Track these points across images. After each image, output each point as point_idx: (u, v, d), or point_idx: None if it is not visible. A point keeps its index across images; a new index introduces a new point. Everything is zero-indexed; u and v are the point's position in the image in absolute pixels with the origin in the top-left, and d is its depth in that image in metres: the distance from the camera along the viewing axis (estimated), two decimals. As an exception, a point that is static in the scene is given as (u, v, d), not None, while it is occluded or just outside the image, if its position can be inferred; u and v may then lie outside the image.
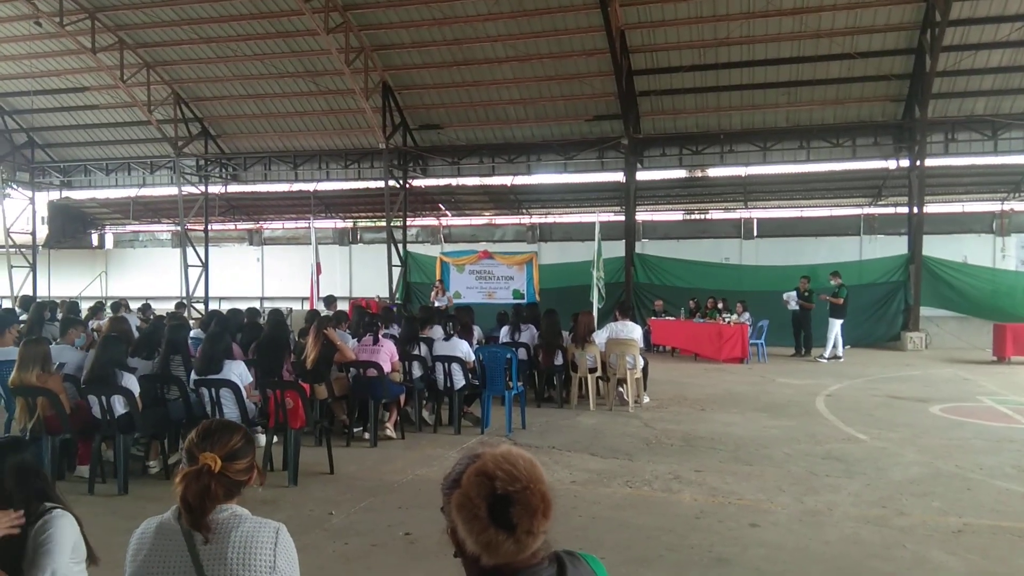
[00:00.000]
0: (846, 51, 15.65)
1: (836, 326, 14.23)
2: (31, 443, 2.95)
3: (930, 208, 17.47)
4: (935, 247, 16.98)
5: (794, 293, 14.94)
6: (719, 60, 16.44)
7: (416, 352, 8.63)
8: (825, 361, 14.05)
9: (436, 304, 15.75)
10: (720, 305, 15.54)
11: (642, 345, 9.97)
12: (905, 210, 17.20)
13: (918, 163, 16.12)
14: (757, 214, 21.72)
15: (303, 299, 20.04)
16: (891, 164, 17.82)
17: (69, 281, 24.20)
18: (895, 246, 17.78)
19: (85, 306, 13.59)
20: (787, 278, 15.96)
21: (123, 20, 17.86)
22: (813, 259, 17.48)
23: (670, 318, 16.07)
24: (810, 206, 21.15)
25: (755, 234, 21.27)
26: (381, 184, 19.77)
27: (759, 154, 18.04)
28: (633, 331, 9.71)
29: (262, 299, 22.82)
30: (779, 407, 9.67)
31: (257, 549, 2.15)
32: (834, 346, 14.26)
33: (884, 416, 9.01)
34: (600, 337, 9.65)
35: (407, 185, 20.15)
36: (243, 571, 2.12)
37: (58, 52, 19.07)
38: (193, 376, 6.45)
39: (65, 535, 2.66)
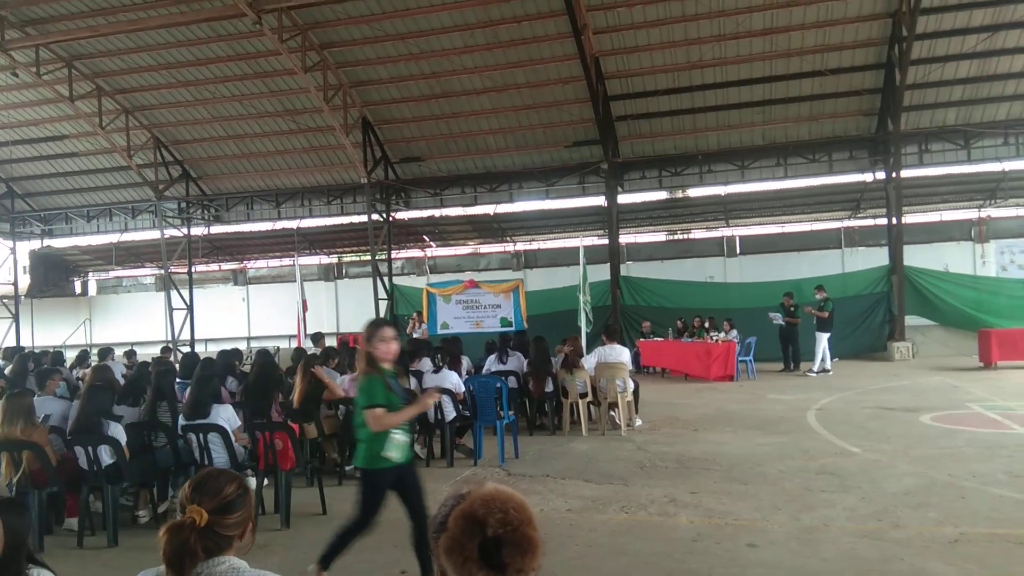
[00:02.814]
0: (817, 68, 15.95)
1: (823, 340, 14.31)
2: (21, 506, 2.87)
3: (909, 218, 17.72)
4: (916, 256, 17.18)
5: (780, 309, 15.04)
6: (693, 83, 16.70)
7: (406, 386, 8.58)
8: (814, 375, 14.11)
9: (414, 336, 15.78)
10: (707, 324, 15.60)
11: (631, 367, 9.98)
12: (884, 222, 17.41)
13: (894, 175, 16.36)
14: (739, 232, 21.92)
15: (290, 337, 19.94)
16: (868, 177, 18.08)
17: (53, 330, 23.97)
18: (876, 258, 17.97)
19: (70, 355, 13.47)
20: (772, 294, 16.08)
21: (100, 67, 17.92)
22: (796, 274, 17.63)
23: (658, 339, 16.10)
24: (790, 222, 21.37)
25: (738, 252, 21.44)
26: (364, 218, 19.80)
27: (737, 173, 18.25)
28: (621, 354, 9.72)
29: (248, 339, 22.69)
30: (771, 424, 9.67)
31: None
32: (822, 360, 14.32)
33: (875, 428, 9.03)
34: (589, 362, 9.65)
35: (390, 218, 20.19)
36: None
37: (36, 102, 19.09)
38: (181, 421, 6.39)
39: None
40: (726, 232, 21.82)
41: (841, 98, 16.77)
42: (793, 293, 15.34)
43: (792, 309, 14.97)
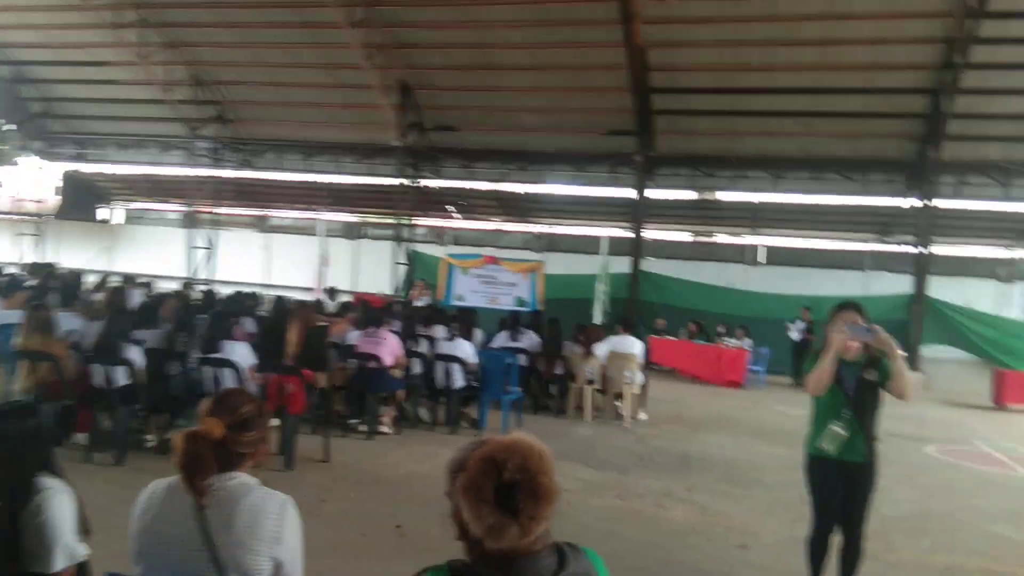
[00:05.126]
0: (865, 86, 15.72)
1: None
2: (39, 410, 2.92)
3: (936, 249, 17.49)
4: (938, 288, 16.98)
5: (801, 323, 14.99)
6: (737, 85, 16.49)
7: (417, 349, 8.66)
8: (822, 393, 14.03)
9: (415, 304, 15.80)
10: (721, 329, 15.58)
11: (642, 361, 9.98)
12: (911, 249, 17.23)
13: (927, 203, 16.17)
14: (764, 241, 21.78)
15: (307, 289, 20.06)
16: (902, 202, 17.87)
17: (75, 252, 24.20)
18: (899, 284, 17.79)
19: (90, 279, 13.60)
20: (790, 307, 15.98)
21: (148, -2, 17.94)
22: (817, 290, 17.48)
23: (671, 337, 16.08)
24: (818, 237, 21.18)
25: (761, 261, 21.31)
26: (392, 181, 19.80)
27: (770, 181, 18.08)
28: (633, 345, 9.73)
29: (266, 286, 22.79)
30: (773, 434, 9.67)
31: (263, 519, 2.17)
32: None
33: (879, 452, 9.00)
34: (601, 350, 9.67)
35: (418, 184, 20.19)
36: (248, 540, 2.13)
37: (80, 25, 19.07)
38: (197, 353, 6.48)
39: (65, 512, 2.63)
40: (751, 240, 21.69)
41: (884, 119, 16.51)
42: (811, 308, 15.25)
43: (809, 324, 14.90)
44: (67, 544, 2.57)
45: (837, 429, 4.17)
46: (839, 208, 19.26)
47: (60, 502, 2.61)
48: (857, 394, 4.20)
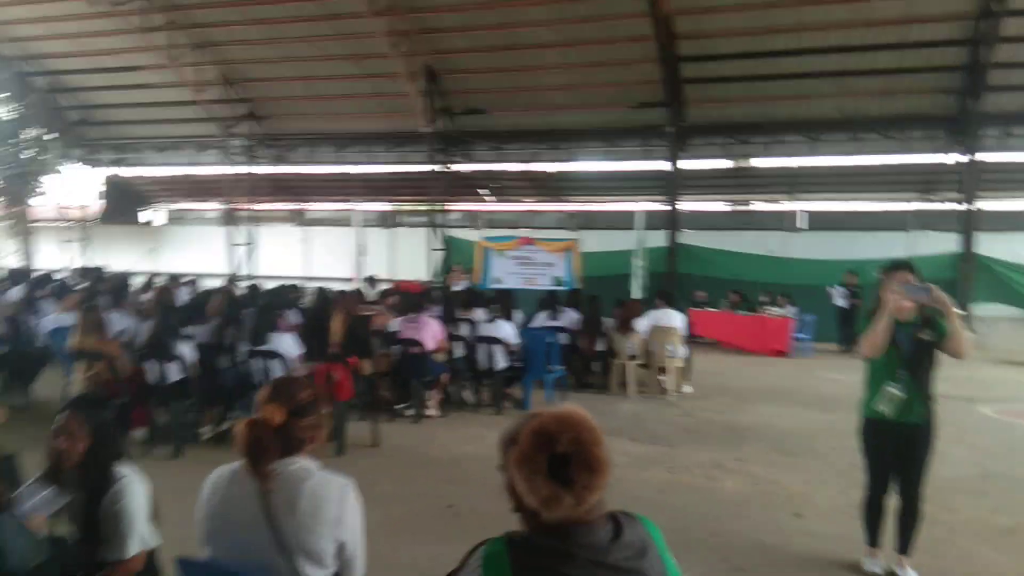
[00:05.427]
0: (899, 40, 15.25)
1: (882, 322, 13.93)
2: (98, 401, 3.03)
3: (983, 204, 16.97)
4: (989, 244, 16.51)
5: (842, 288, 14.70)
6: (767, 48, 16.11)
7: (458, 332, 8.70)
8: (870, 357, 13.78)
9: (454, 288, 15.86)
10: (764, 298, 15.37)
11: (684, 334, 9.90)
12: (957, 206, 16.75)
13: (971, 158, 15.69)
14: (804, 206, 21.40)
15: (346, 280, 20.29)
16: (944, 158, 17.36)
17: (121, 255, 24.78)
18: (945, 243, 17.33)
19: (137, 280, 13.92)
20: (833, 272, 15.68)
21: (173, 0, 18.12)
22: (862, 254, 17.10)
23: (712, 309, 15.92)
24: (859, 199, 20.70)
25: (801, 227, 20.93)
26: (424, 168, 19.86)
27: (807, 145, 17.71)
28: (675, 319, 9.66)
29: (306, 279, 23.10)
30: (823, 401, 9.54)
31: (325, 502, 2.22)
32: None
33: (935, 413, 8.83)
34: (642, 324, 9.62)
35: (449, 169, 20.21)
36: (311, 522, 2.18)
37: (110, 31, 19.35)
38: (245, 346, 6.60)
39: (139, 499, 2.75)
40: (790, 206, 21.33)
41: (920, 73, 16.01)
42: (857, 272, 14.94)
43: (855, 289, 14.61)
44: (141, 531, 2.68)
45: (894, 391, 4.11)
46: (879, 168, 18.81)
47: (136, 490, 2.73)
48: (913, 355, 4.12)
